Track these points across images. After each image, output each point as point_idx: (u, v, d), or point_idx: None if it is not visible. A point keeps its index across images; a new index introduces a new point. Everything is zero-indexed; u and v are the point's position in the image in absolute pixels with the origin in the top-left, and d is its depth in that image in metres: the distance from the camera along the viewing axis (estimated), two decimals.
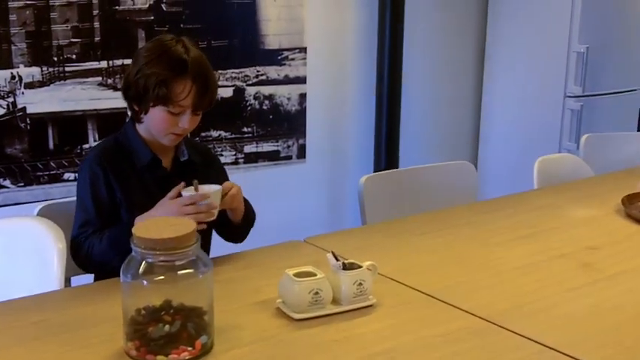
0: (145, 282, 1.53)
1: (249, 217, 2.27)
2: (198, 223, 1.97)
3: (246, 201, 2.25)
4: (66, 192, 3.49)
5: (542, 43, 4.63)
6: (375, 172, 4.19)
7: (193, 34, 3.81)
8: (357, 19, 4.44)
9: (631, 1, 4.72)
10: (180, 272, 1.54)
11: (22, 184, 3.48)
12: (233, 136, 4.09)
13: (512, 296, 1.96)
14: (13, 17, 3.36)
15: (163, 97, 2.07)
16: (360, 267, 1.85)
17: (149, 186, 2.18)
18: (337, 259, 1.85)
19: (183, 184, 2.08)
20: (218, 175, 2.35)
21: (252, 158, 4.21)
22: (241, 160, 4.16)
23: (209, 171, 2.33)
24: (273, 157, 4.28)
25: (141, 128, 2.20)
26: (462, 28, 4.91)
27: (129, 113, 2.22)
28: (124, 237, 1.72)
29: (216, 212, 2.06)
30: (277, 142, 4.27)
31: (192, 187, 2.06)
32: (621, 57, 4.70)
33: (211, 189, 2.07)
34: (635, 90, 4.86)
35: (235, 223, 2.23)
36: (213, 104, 2.20)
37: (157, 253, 1.51)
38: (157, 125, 2.14)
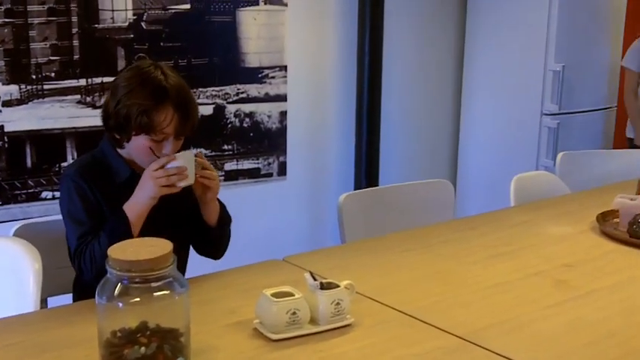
0: (120, 304, 1.52)
1: (224, 219, 2.25)
2: (172, 186, 2.01)
3: (221, 204, 2.25)
4: (44, 210, 3.48)
5: (519, 61, 4.67)
6: (355, 189, 4.22)
7: (173, 52, 3.82)
8: (337, 37, 4.47)
9: (605, 20, 4.78)
10: (156, 294, 1.53)
11: None
12: (214, 153, 4.10)
13: (488, 314, 1.96)
14: None
15: (145, 126, 2.06)
16: (338, 286, 1.85)
17: None
18: (315, 279, 1.85)
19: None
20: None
21: (232, 176, 4.21)
22: (222, 178, 4.16)
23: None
24: (253, 174, 4.29)
25: (120, 150, 2.19)
26: (441, 47, 4.95)
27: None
28: (120, 227, 1.81)
29: (191, 176, 2.06)
30: (258, 159, 4.28)
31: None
32: (597, 75, 4.76)
33: (182, 152, 2.08)
34: (610, 108, 4.92)
35: (210, 225, 2.21)
36: (195, 129, 2.20)
37: (133, 274, 1.50)
38: (139, 153, 2.13)
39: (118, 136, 2.14)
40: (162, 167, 2.03)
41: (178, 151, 2.14)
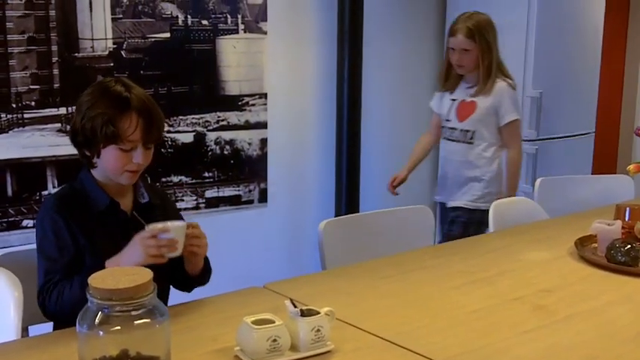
0: (100, 332, 1.52)
1: (204, 274, 2.27)
2: (160, 257, 2.01)
3: (206, 259, 2.26)
4: (24, 239, 3.47)
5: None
6: (336, 215, 4.23)
7: (153, 80, 3.84)
8: (316, 65, 4.51)
9: (581, 47, 4.85)
10: (136, 322, 1.53)
11: None
12: (194, 181, 4.11)
13: (467, 340, 1.98)
14: None
15: (112, 135, 2.09)
16: (318, 313, 1.86)
17: (111, 230, 2.18)
18: (295, 306, 1.87)
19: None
20: (177, 217, 2.38)
21: (213, 203, 4.22)
22: (202, 205, 4.17)
23: (168, 213, 2.34)
24: (234, 201, 4.30)
25: (96, 173, 2.20)
26: (419, 74, 4.99)
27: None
28: None
29: (180, 248, 2.06)
30: (239, 186, 4.29)
31: (161, 223, 2.07)
32: (574, 101, 4.81)
33: (175, 224, 2.08)
34: (588, 133, 4.97)
35: (189, 274, 2.23)
36: (162, 137, 2.25)
37: (113, 303, 1.50)
38: (111, 165, 2.15)
39: (89, 153, 2.16)
40: (155, 236, 2.02)
41: (167, 216, 2.19)
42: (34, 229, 2.19)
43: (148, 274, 1.58)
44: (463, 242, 2.98)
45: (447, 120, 3.73)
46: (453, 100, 3.71)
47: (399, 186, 3.91)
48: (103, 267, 2.03)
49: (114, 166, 2.15)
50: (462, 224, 3.69)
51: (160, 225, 2.06)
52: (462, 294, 2.34)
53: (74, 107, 2.11)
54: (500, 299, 2.28)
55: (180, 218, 2.41)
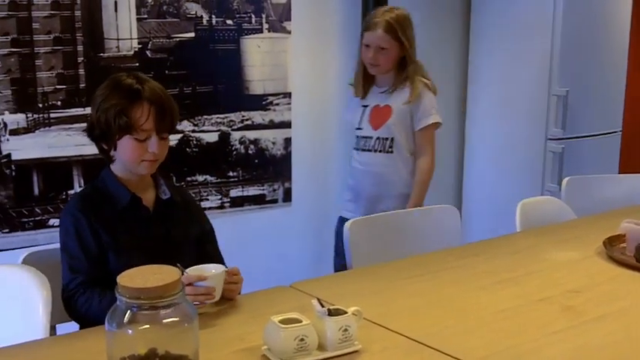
0: (129, 331, 1.53)
1: None
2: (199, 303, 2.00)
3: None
4: (51, 238, 3.48)
5: (523, 86, 4.69)
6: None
7: (178, 80, 3.85)
8: (340, 64, 4.49)
9: (608, 45, 4.80)
10: (165, 321, 1.54)
11: (6, 230, 3.48)
12: (219, 180, 4.11)
13: (495, 340, 1.96)
14: None
15: (125, 125, 2.13)
16: (346, 313, 1.86)
17: (133, 227, 2.20)
18: (322, 306, 1.86)
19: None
20: (199, 215, 2.41)
21: (238, 202, 4.22)
22: (227, 205, 4.17)
23: (190, 210, 2.36)
24: (258, 200, 4.30)
25: (116, 169, 2.24)
26: (444, 72, 4.96)
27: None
28: None
29: (217, 294, 2.07)
30: (263, 186, 4.29)
31: (198, 267, 2.08)
32: (601, 99, 4.77)
33: (213, 272, 2.08)
34: (615, 132, 4.93)
35: None
36: (175, 126, 2.28)
37: (142, 302, 1.51)
38: (128, 156, 2.18)
39: (106, 146, 2.20)
40: (191, 284, 2.01)
41: (190, 215, 2.26)
42: (58, 232, 2.21)
43: (177, 273, 1.58)
44: (489, 242, 2.96)
45: (359, 128, 3.40)
46: (365, 106, 3.39)
47: None
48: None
49: (130, 156, 2.18)
50: None
51: (197, 273, 2.05)
52: (489, 294, 2.32)
53: None
54: (528, 300, 2.26)
55: (205, 218, 2.42)
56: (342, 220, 3.34)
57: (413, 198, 3.32)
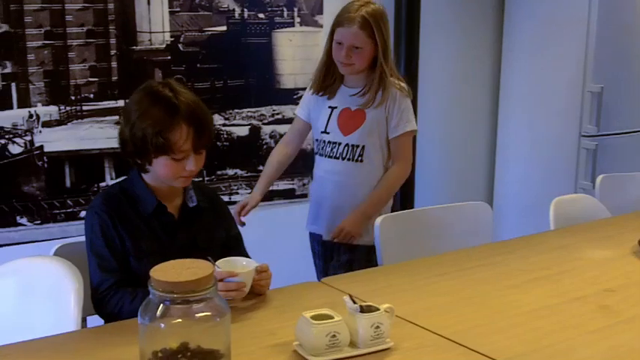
0: (162, 325, 1.52)
1: None
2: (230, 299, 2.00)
3: None
4: (82, 230, 3.48)
5: (556, 82, 4.64)
6: (390, 211, 4.19)
7: (210, 73, 3.85)
8: None
9: None
10: (197, 315, 1.53)
11: (38, 221, 3.50)
12: (249, 174, 4.11)
13: (529, 339, 1.94)
14: (31, 57, 3.40)
15: (162, 146, 2.08)
16: (378, 310, 1.84)
17: (157, 232, 2.18)
18: (354, 302, 1.85)
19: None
20: (226, 220, 2.38)
21: (267, 196, 4.19)
22: None
23: (217, 216, 2.33)
24: (288, 195, 4.29)
25: (146, 176, 2.20)
26: (477, 69, 4.93)
27: None
28: None
29: (247, 290, 2.07)
30: (293, 180, 4.28)
31: (228, 260, 2.09)
32: (636, 96, 4.71)
33: (246, 266, 2.09)
34: None
35: None
36: (212, 139, 2.22)
37: (175, 296, 1.50)
38: (164, 174, 2.15)
39: (140, 161, 2.15)
40: (222, 280, 2.01)
41: (216, 219, 2.23)
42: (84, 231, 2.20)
43: (210, 267, 1.57)
44: (522, 240, 2.93)
45: (325, 132, 2.98)
46: (332, 107, 2.97)
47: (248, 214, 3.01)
48: None
49: (167, 174, 2.15)
50: (345, 264, 2.96)
51: (227, 267, 2.06)
52: (522, 292, 2.29)
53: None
54: (562, 298, 2.23)
55: (232, 223, 2.42)
56: (311, 236, 3.13)
57: (370, 202, 2.94)
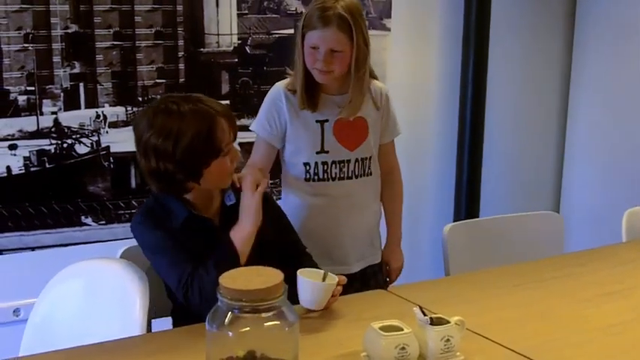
0: (230, 333, 1.50)
1: None
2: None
3: None
4: None
5: (628, 88, 4.52)
6: (454, 220, 4.13)
7: (276, 76, 3.80)
8: (440, 66, 4.41)
9: None
10: (266, 324, 1.50)
11: (103, 222, 3.52)
12: None
13: (605, 357, 1.88)
14: (99, 57, 3.42)
15: (213, 148, 2.06)
16: (448, 322, 1.80)
17: (196, 238, 2.12)
18: (424, 314, 1.80)
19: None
20: (272, 208, 2.32)
21: None
22: None
23: (267, 214, 2.23)
24: None
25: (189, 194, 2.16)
26: (546, 75, 4.84)
27: None
28: (229, 258, 1.89)
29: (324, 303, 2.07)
30: None
31: (311, 271, 2.08)
32: None
33: (329, 279, 2.07)
34: None
35: None
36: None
37: (244, 304, 1.48)
38: (219, 176, 2.12)
39: (188, 182, 2.10)
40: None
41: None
42: (140, 245, 2.17)
43: (280, 275, 1.55)
44: (594, 252, 2.85)
45: (322, 152, 2.55)
46: (321, 121, 2.55)
47: None
48: (231, 244, 2.05)
49: (222, 174, 2.13)
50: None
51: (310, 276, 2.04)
52: (595, 307, 2.22)
53: None
54: (637, 314, 2.16)
55: (281, 212, 2.38)
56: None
57: (398, 226, 2.84)
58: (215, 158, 2.07)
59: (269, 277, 1.53)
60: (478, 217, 4.21)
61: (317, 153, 2.55)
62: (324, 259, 2.45)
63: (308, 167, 2.56)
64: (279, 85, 2.61)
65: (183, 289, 2.02)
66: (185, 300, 2.03)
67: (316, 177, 2.56)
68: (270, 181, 2.80)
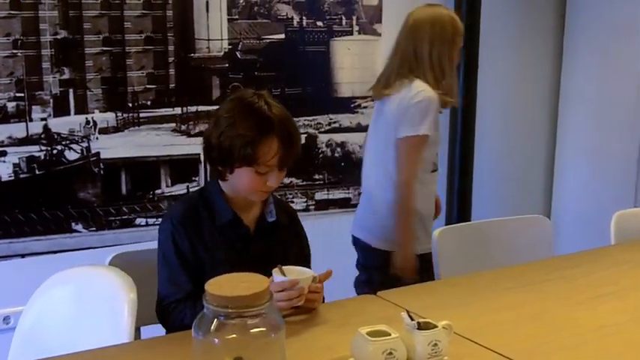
0: (216, 340, 1.48)
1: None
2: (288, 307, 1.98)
3: None
4: (137, 237, 3.50)
5: (619, 91, 4.52)
6: (446, 224, 4.12)
7: (267, 81, 3.83)
8: None
9: None
10: (252, 331, 1.49)
11: (93, 228, 3.50)
12: (304, 182, 4.08)
13: (598, 359, 1.87)
14: (89, 63, 3.41)
15: (249, 158, 2.04)
16: (436, 327, 1.79)
17: (232, 243, 2.16)
18: (412, 319, 1.79)
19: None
20: (302, 240, 2.34)
21: (323, 205, 4.17)
22: (312, 207, 4.13)
23: (294, 235, 2.30)
24: (344, 204, 4.24)
25: (225, 185, 2.18)
26: (536, 81, 4.84)
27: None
28: None
29: (304, 297, 2.04)
30: (348, 189, 4.24)
31: (282, 269, 2.05)
32: None
33: (304, 276, 2.05)
34: None
35: None
36: (299, 157, 2.16)
37: (229, 310, 1.46)
38: (243, 185, 2.12)
39: (221, 169, 2.12)
40: (284, 290, 1.99)
41: (291, 238, 2.21)
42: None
43: (265, 281, 1.54)
44: (584, 255, 2.85)
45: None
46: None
47: None
48: None
49: (246, 187, 2.12)
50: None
51: (288, 277, 2.02)
52: (588, 309, 2.22)
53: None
54: (631, 315, 2.16)
55: (305, 242, 2.38)
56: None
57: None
58: (245, 166, 2.07)
59: (254, 283, 1.52)
60: (470, 221, 4.20)
61: (435, 144, 3.02)
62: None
63: (433, 159, 3.07)
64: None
65: (163, 308, 2.08)
66: (159, 315, 2.10)
67: (434, 169, 3.08)
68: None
